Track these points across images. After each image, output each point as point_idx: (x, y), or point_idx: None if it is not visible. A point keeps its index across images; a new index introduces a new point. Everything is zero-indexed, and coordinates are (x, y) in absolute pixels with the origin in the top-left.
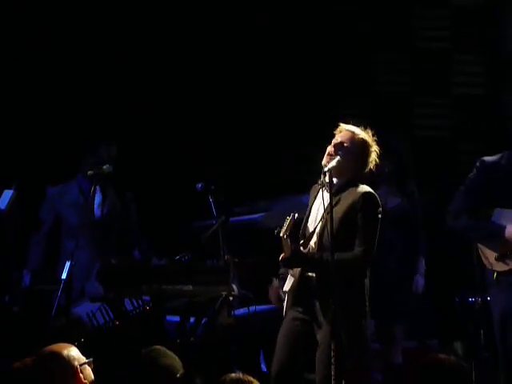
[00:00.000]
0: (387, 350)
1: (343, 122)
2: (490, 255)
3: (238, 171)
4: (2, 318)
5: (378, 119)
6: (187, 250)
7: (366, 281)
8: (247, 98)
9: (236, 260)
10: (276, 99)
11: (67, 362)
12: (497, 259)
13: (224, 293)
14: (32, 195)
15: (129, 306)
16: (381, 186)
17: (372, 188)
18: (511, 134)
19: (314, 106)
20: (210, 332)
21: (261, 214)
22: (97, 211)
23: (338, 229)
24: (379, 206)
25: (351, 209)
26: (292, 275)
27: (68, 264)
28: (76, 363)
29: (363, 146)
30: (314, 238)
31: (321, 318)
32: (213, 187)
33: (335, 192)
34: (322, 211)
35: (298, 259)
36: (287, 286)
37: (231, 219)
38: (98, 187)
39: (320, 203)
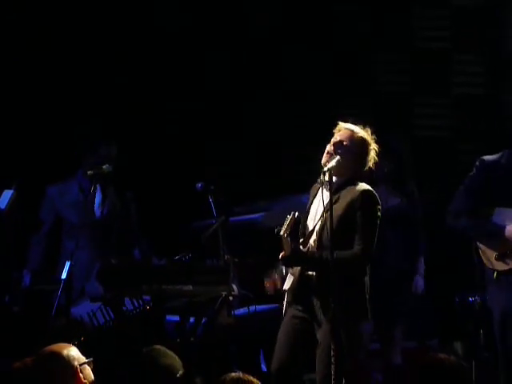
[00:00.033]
0: (387, 350)
1: (342, 121)
2: (490, 254)
3: (238, 171)
4: (2, 318)
5: (378, 119)
6: (187, 250)
7: (366, 278)
8: (247, 97)
9: (236, 260)
10: (276, 99)
11: (67, 362)
12: (497, 258)
13: (224, 293)
14: (32, 195)
15: (129, 306)
16: (380, 186)
17: (371, 187)
18: (511, 133)
19: (314, 106)
20: (209, 332)
21: (261, 214)
22: (97, 211)
23: (337, 227)
24: (378, 204)
25: (350, 207)
26: (292, 274)
27: (68, 264)
28: (76, 363)
29: (362, 144)
30: (314, 237)
31: (320, 317)
32: (212, 187)
33: (334, 190)
34: (321, 210)
35: (297, 258)
36: (287, 285)
37: (231, 219)
38: (98, 187)
39: (319, 202)
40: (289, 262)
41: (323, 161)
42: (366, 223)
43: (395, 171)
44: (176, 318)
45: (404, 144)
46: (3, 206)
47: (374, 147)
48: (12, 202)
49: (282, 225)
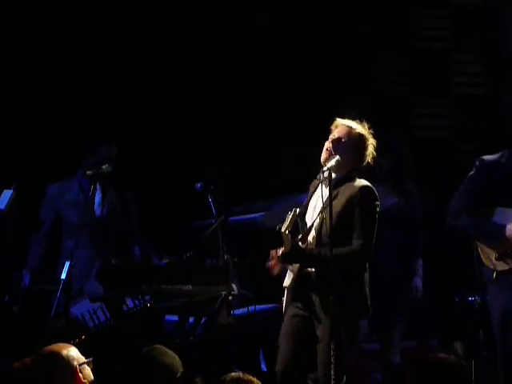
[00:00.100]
0: (386, 350)
1: (339, 117)
2: (490, 254)
3: (238, 171)
4: (2, 318)
5: (378, 119)
6: (188, 248)
7: (366, 275)
8: (247, 97)
9: (235, 260)
10: (276, 99)
11: (66, 362)
12: (497, 258)
13: (223, 292)
14: (31, 195)
15: (130, 303)
16: (379, 185)
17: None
18: (511, 133)
19: (314, 106)
20: (209, 331)
21: (260, 214)
22: (97, 210)
23: (336, 223)
24: (377, 200)
25: (349, 203)
26: (291, 271)
27: (67, 264)
28: (75, 363)
29: (360, 140)
30: (312, 233)
31: (320, 314)
32: (212, 187)
33: (333, 186)
34: (319, 206)
35: (297, 254)
36: (287, 282)
37: (231, 219)
38: (97, 187)
39: (318, 198)
40: (288, 259)
41: (322, 158)
42: (365, 219)
43: (394, 171)
44: (175, 317)
45: (404, 144)
46: (3, 206)
47: (371, 142)
48: (11, 202)
49: (283, 221)
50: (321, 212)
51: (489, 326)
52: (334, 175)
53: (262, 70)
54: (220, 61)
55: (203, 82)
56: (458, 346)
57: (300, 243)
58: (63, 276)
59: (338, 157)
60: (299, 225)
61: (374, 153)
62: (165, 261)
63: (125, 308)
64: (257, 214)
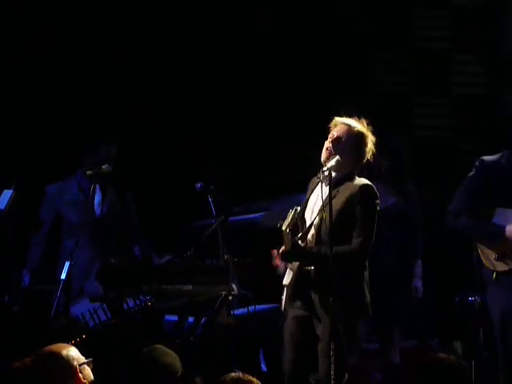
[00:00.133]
0: (386, 350)
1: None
2: (490, 255)
3: (238, 171)
4: (2, 318)
5: (378, 119)
6: (188, 248)
7: (366, 273)
8: (247, 97)
9: (235, 260)
10: (276, 99)
11: (66, 362)
12: (497, 259)
13: (223, 292)
14: (31, 195)
15: (130, 302)
16: (378, 185)
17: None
18: (511, 133)
19: (314, 106)
20: (209, 331)
21: (260, 214)
22: (96, 210)
23: (336, 221)
24: (377, 198)
25: (349, 202)
26: (291, 269)
27: (67, 264)
28: (75, 363)
29: (360, 137)
30: (312, 231)
31: (320, 312)
32: (212, 187)
33: (333, 185)
34: (319, 204)
35: (297, 253)
36: (286, 280)
37: (230, 219)
38: (97, 187)
39: (317, 196)
40: (288, 257)
41: (322, 158)
42: (365, 218)
43: (394, 170)
44: (175, 317)
45: (403, 144)
46: (3, 206)
47: (371, 138)
48: (11, 202)
49: (283, 220)
50: (320, 211)
51: (489, 326)
52: (333, 174)
53: (261, 70)
54: (220, 61)
55: (203, 82)
56: (457, 345)
57: (300, 242)
58: (63, 276)
59: (338, 157)
60: (299, 223)
61: (374, 149)
62: (165, 259)
63: (125, 307)
64: (257, 214)
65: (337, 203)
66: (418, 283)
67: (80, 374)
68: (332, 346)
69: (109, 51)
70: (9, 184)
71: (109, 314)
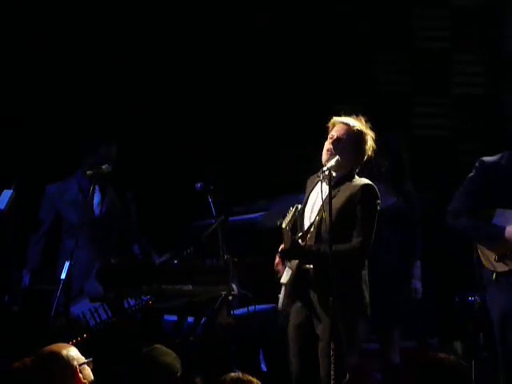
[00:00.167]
0: (386, 350)
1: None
2: (490, 256)
3: (238, 171)
4: (2, 318)
5: (378, 119)
6: (188, 247)
7: (364, 272)
8: (247, 97)
9: (235, 259)
10: (276, 99)
11: (66, 362)
12: (497, 260)
13: (223, 292)
14: (31, 195)
15: (131, 301)
16: (378, 186)
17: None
18: (511, 133)
19: (314, 106)
20: (209, 331)
21: (260, 214)
22: (96, 210)
23: (336, 220)
24: (378, 198)
25: (350, 201)
26: (290, 268)
27: (67, 264)
28: (75, 363)
29: (359, 136)
30: (312, 231)
31: (320, 312)
32: (212, 187)
33: (334, 184)
34: (319, 203)
35: (296, 251)
36: (284, 278)
37: (230, 219)
38: (97, 187)
39: (317, 195)
40: (288, 255)
41: (324, 159)
42: (366, 217)
43: (393, 170)
44: (174, 317)
45: (403, 144)
46: (3, 206)
47: (370, 135)
48: (11, 202)
49: (284, 217)
50: (320, 211)
51: (489, 326)
52: (334, 173)
53: (262, 70)
54: (220, 61)
55: (203, 82)
56: (457, 345)
57: (300, 241)
58: (63, 276)
59: (337, 156)
60: (298, 221)
61: (374, 145)
62: (165, 257)
63: (126, 305)
64: (257, 214)
65: (337, 203)
66: (417, 284)
67: (80, 374)
68: (332, 346)
69: (109, 51)
70: (9, 184)
71: (109, 313)
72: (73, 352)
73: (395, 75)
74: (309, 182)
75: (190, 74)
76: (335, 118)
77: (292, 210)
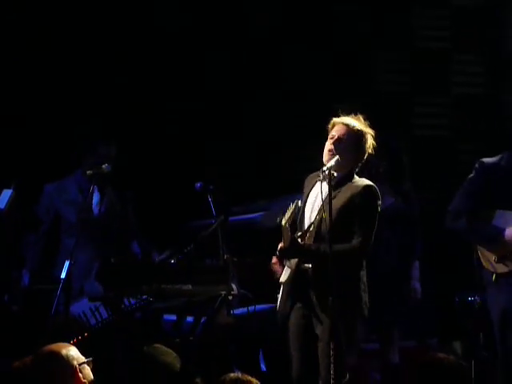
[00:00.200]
0: (385, 350)
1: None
2: (489, 257)
3: (238, 171)
4: (2, 318)
5: (378, 119)
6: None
7: (363, 273)
8: (247, 97)
9: (235, 259)
10: (276, 99)
11: (66, 362)
12: (496, 261)
13: (223, 292)
14: (31, 195)
15: (130, 301)
16: (378, 186)
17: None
18: (511, 134)
19: (314, 106)
20: (209, 331)
21: (260, 214)
22: (95, 209)
23: (337, 220)
24: (379, 200)
25: (351, 201)
26: (289, 267)
27: (67, 263)
28: (75, 363)
29: (359, 135)
30: (312, 230)
31: (319, 312)
32: (211, 187)
33: (335, 184)
34: (319, 203)
35: (295, 249)
36: (283, 278)
37: (230, 219)
38: (95, 187)
39: (317, 194)
40: (287, 254)
41: (325, 159)
42: (366, 218)
43: (392, 170)
44: (173, 317)
45: (402, 144)
46: (2, 206)
47: (370, 133)
48: (11, 202)
49: (283, 214)
50: (320, 210)
51: (488, 326)
52: (335, 174)
53: (262, 70)
54: (220, 61)
55: (203, 82)
56: (457, 345)
57: (299, 240)
58: (63, 275)
59: (337, 156)
60: (297, 219)
61: (374, 143)
62: (165, 254)
63: (126, 303)
64: (256, 214)
65: (338, 203)
66: (416, 284)
67: (80, 374)
68: (332, 346)
69: (109, 51)
70: (9, 183)
71: (110, 312)
72: (73, 351)
73: (395, 75)
74: (307, 182)
75: (190, 74)
76: (335, 119)
77: (292, 206)
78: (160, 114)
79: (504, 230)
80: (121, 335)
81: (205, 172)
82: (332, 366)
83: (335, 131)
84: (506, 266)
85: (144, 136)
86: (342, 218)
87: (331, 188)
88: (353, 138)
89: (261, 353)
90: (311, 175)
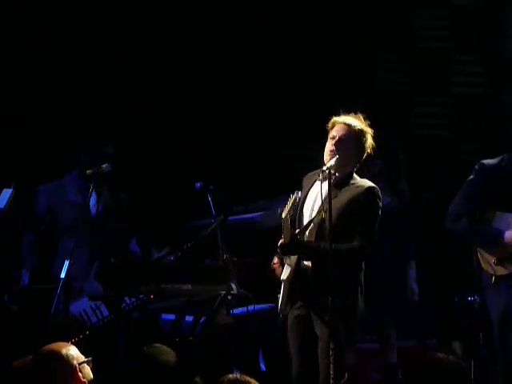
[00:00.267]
0: (385, 350)
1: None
2: (489, 259)
3: (238, 171)
4: (1, 318)
5: (378, 119)
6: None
7: (361, 274)
8: (247, 97)
9: (235, 259)
10: (276, 99)
11: (66, 361)
12: (496, 263)
13: (223, 292)
14: (31, 194)
15: (128, 300)
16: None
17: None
18: (511, 134)
19: (314, 106)
20: (208, 331)
21: (259, 213)
22: (92, 209)
23: (337, 220)
24: (380, 201)
25: (353, 202)
26: (289, 265)
27: (67, 263)
28: (75, 362)
29: (359, 135)
30: (311, 229)
31: (318, 311)
32: (211, 187)
33: (336, 184)
34: (319, 202)
35: (295, 246)
36: (284, 275)
37: (230, 218)
38: (93, 186)
39: (317, 194)
40: (287, 250)
41: (326, 160)
42: (368, 219)
43: (388, 170)
44: (172, 316)
45: (399, 143)
46: (2, 206)
47: (370, 132)
48: (11, 202)
49: (284, 206)
50: (320, 210)
51: (488, 326)
52: (337, 174)
53: (262, 70)
54: (220, 61)
55: (203, 82)
56: (456, 345)
57: (299, 237)
58: (63, 275)
59: (337, 156)
60: (296, 217)
61: (374, 143)
62: (164, 251)
63: (127, 301)
64: (256, 214)
65: (339, 203)
66: (413, 285)
67: (80, 373)
68: (331, 346)
69: (109, 51)
70: (8, 183)
71: (110, 311)
72: (72, 351)
73: (395, 75)
74: (305, 180)
75: (190, 74)
76: (335, 119)
77: (292, 197)
78: (160, 113)
79: (504, 232)
80: (121, 334)
81: (205, 172)
82: (332, 365)
83: (336, 131)
84: (506, 268)
85: (144, 136)
86: (343, 218)
87: (331, 188)
88: (353, 137)
89: (260, 353)
90: (309, 174)
